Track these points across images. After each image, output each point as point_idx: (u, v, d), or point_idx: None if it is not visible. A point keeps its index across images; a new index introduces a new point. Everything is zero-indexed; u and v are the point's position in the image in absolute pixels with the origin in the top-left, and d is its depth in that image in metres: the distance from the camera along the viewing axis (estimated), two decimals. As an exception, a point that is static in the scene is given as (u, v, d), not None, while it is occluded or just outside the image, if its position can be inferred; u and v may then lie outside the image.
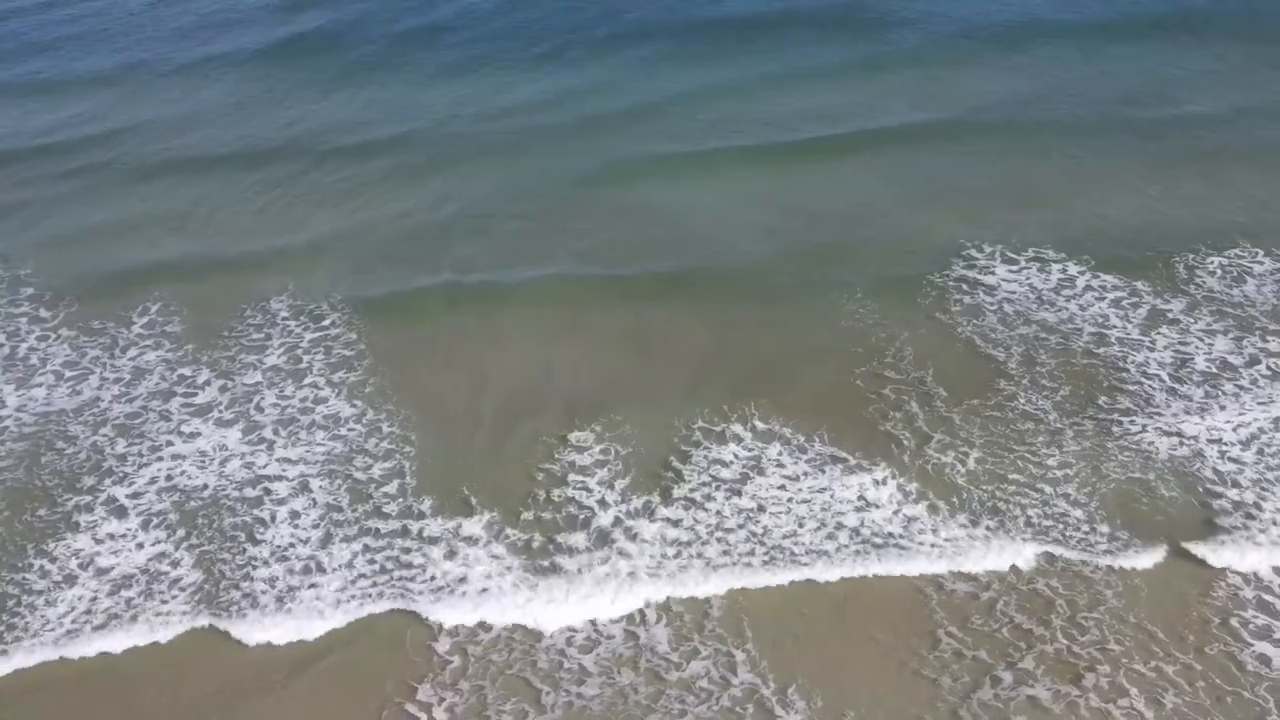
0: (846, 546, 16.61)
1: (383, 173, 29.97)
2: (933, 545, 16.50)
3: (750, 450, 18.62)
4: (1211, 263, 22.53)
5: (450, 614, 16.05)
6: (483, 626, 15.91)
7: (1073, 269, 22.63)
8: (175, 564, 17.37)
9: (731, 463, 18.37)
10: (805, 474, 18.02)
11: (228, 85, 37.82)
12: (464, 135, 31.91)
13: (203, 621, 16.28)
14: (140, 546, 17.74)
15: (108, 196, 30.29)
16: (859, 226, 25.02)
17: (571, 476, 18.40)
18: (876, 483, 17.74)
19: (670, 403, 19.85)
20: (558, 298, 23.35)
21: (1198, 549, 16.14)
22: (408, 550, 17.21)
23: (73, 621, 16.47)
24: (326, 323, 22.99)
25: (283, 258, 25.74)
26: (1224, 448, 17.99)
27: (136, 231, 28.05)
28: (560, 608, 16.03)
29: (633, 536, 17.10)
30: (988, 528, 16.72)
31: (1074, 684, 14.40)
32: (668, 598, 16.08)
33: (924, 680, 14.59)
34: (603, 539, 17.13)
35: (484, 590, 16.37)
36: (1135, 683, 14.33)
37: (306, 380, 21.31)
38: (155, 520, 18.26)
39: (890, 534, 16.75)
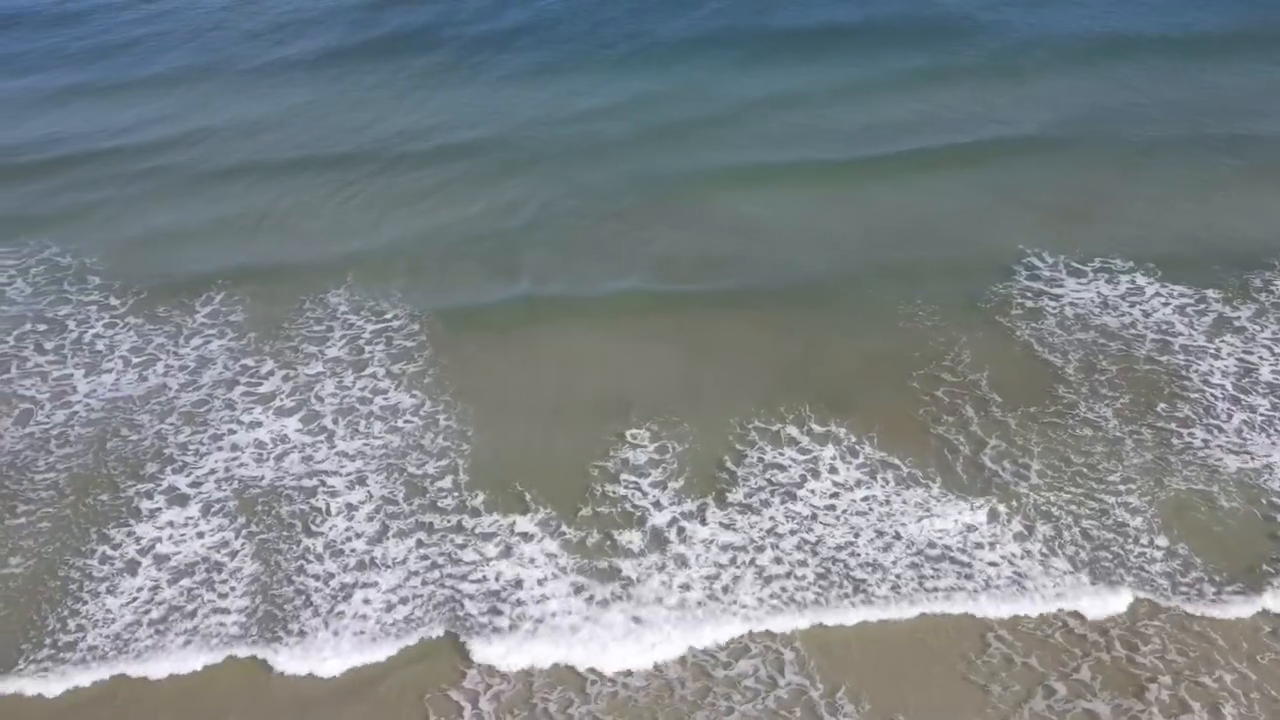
0: (901, 559, 16.36)
1: (456, 176, 30.12)
2: (990, 564, 16.14)
3: (806, 453, 18.52)
4: (1289, 276, 22.15)
5: (501, 651, 15.56)
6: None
7: (1140, 279, 22.30)
8: (233, 554, 17.52)
9: (788, 466, 18.27)
10: (860, 481, 17.87)
11: (302, 87, 38.15)
12: (536, 140, 31.97)
13: (245, 651, 15.87)
14: (200, 535, 17.94)
15: (180, 196, 30.61)
16: (925, 238, 24.80)
17: (626, 475, 18.39)
18: (932, 493, 17.53)
19: (727, 405, 19.78)
20: (621, 303, 23.44)
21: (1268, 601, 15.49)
22: (462, 546, 17.22)
23: (133, 613, 16.59)
24: (389, 317, 23.21)
25: (351, 258, 25.88)
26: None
27: (206, 230, 28.32)
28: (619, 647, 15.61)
29: (686, 540, 17.02)
30: (1044, 538, 16.46)
31: (1136, 697, 14.09)
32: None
33: (973, 686, 14.38)
34: (658, 541, 17.06)
35: (541, 599, 16.19)
36: (1198, 696, 14.02)
37: (367, 371, 21.56)
38: (215, 508, 18.47)
39: (946, 547, 16.51)
